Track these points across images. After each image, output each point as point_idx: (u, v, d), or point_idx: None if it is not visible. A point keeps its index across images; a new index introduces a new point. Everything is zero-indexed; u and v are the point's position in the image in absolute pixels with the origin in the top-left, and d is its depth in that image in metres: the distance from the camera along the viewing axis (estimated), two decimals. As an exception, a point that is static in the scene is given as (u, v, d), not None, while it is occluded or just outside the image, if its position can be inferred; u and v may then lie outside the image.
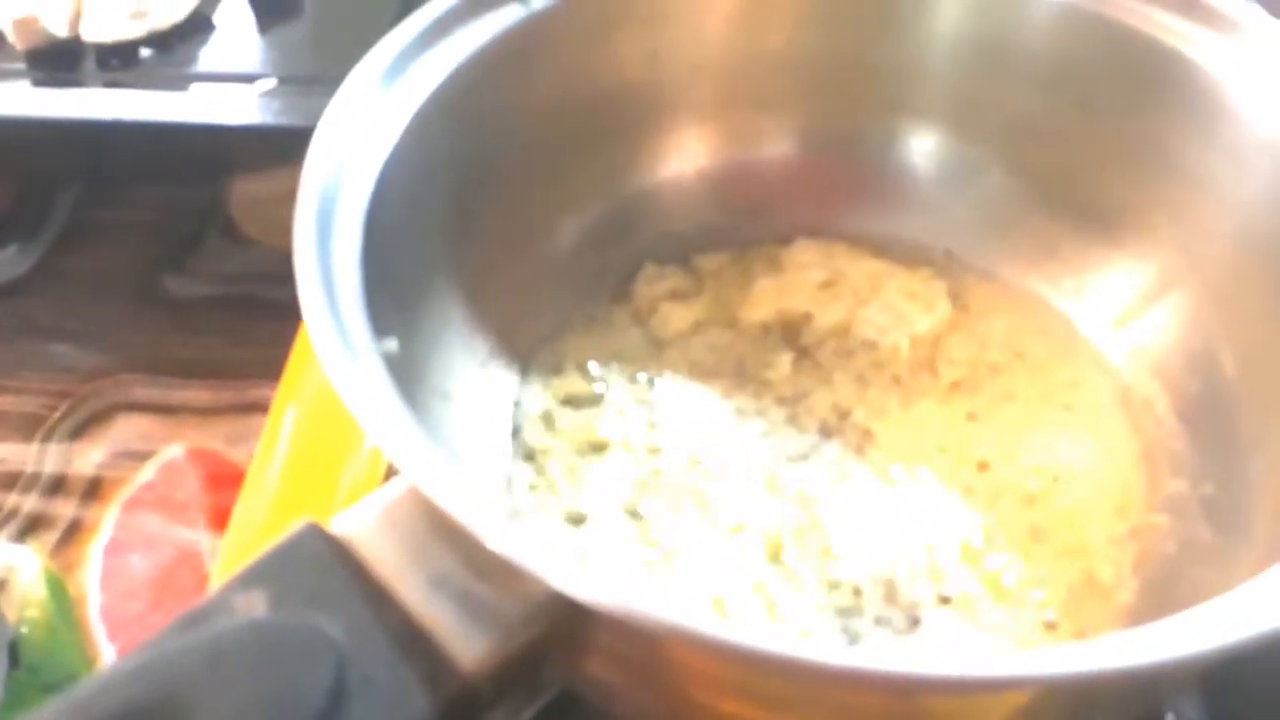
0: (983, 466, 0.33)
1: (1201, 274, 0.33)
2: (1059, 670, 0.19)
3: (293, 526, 0.20)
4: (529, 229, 0.35)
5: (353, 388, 0.21)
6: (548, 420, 0.34)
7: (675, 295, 0.38)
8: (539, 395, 0.35)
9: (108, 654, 0.45)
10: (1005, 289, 0.38)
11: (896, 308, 0.38)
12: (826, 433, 0.34)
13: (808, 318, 0.38)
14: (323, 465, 0.37)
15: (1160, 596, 0.30)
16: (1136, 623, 0.29)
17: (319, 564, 0.19)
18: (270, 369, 0.54)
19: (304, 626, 0.18)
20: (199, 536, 0.49)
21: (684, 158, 0.38)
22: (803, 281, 0.38)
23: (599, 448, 0.34)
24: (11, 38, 0.53)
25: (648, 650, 0.21)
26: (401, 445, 0.20)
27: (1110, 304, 0.36)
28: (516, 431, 0.34)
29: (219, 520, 0.49)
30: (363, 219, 0.26)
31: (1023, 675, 0.20)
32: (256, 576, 0.19)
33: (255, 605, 0.18)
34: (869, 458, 0.34)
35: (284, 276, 0.65)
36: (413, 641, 0.19)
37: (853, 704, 0.21)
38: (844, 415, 0.35)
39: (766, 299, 0.38)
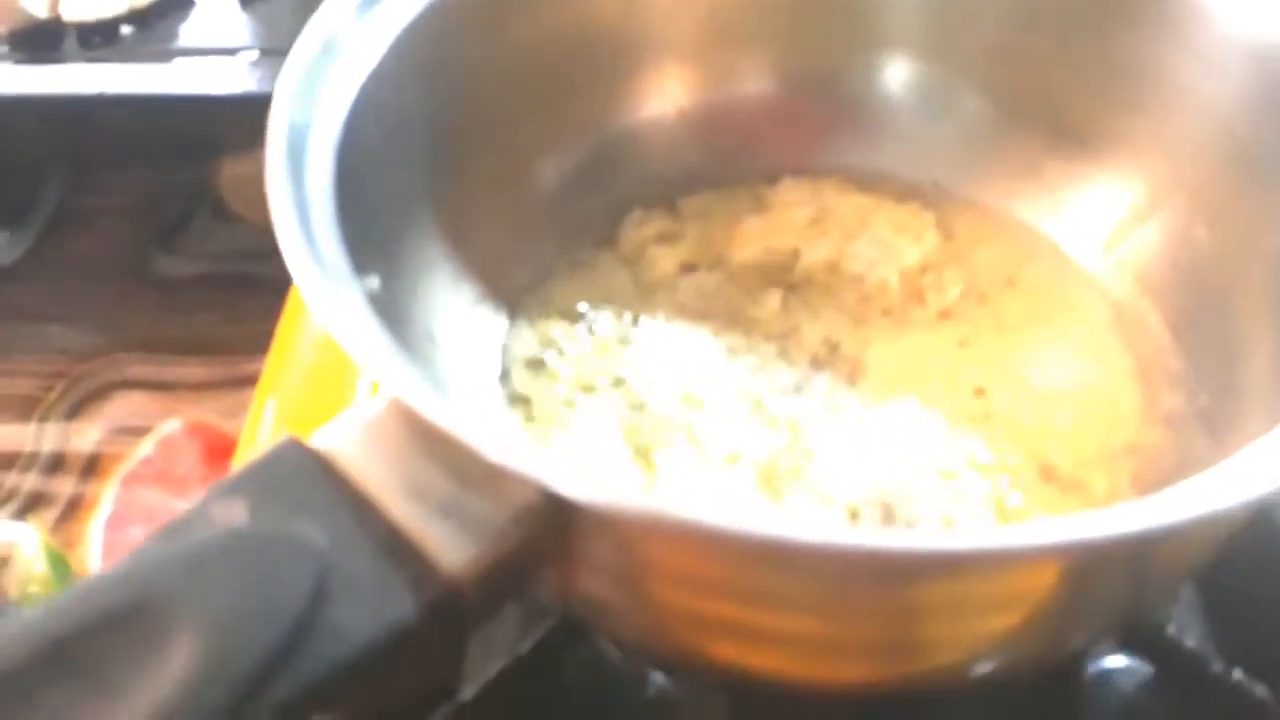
0: (978, 392, 0.33)
1: (1184, 185, 0.33)
2: (1061, 539, 0.18)
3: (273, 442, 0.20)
4: (511, 171, 0.35)
5: (330, 305, 0.21)
6: (536, 363, 0.34)
7: (662, 238, 0.38)
8: (527, 338, 0.35)
9: (111, 626, 0.45)
10: (992, 216, 0.38)
11: (884, 241, 0.37)
12: (817, 365, 0.34)
13: (796, 255, 0.37)
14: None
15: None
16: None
17: (300, 475, 0.19)
18: (261, 344, 0.54)
19: (283, 534, 0.18)
20: (199, 509, 0.49)
21: (664, 98, 0.38)
22: (790, 219, 0.38)
23: (588, 388, 0.34)
24: (-9, 19, 0.53)
25: (634, 552, 0.21)
26: (383, 358, 0.20)
27: (1096, 224, 0.36)
28: (504, 375, 0.34)
29: (218, 492, 0.50)
30: (334, 152, 0.26)
31: (1023, 546, 0.19)
32: (236, 488, 0.19)
33: (235, 515, 0.18)
34: (861, 388, 0.34)
35: (273, 252, 0.65)
36: (396, 547, 0.18)
37: (846, 593, 0.20)
38: (834, 348, 0.35)
39: (753, 238, 0.38)
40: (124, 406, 0.53)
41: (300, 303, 0.44)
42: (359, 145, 0.27)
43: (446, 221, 0.32)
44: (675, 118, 0.38)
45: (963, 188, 0.38)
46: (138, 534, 0.48)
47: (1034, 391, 0.33)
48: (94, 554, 0.47)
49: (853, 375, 0.34)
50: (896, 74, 0.38)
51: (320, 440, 0.20)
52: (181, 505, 0.52)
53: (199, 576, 0.17)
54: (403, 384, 0.20)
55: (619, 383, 0.33)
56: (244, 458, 0.39)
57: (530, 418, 0.33)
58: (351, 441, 0.20)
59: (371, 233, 0.28)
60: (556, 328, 0.35)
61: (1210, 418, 0.30)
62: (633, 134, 0.38)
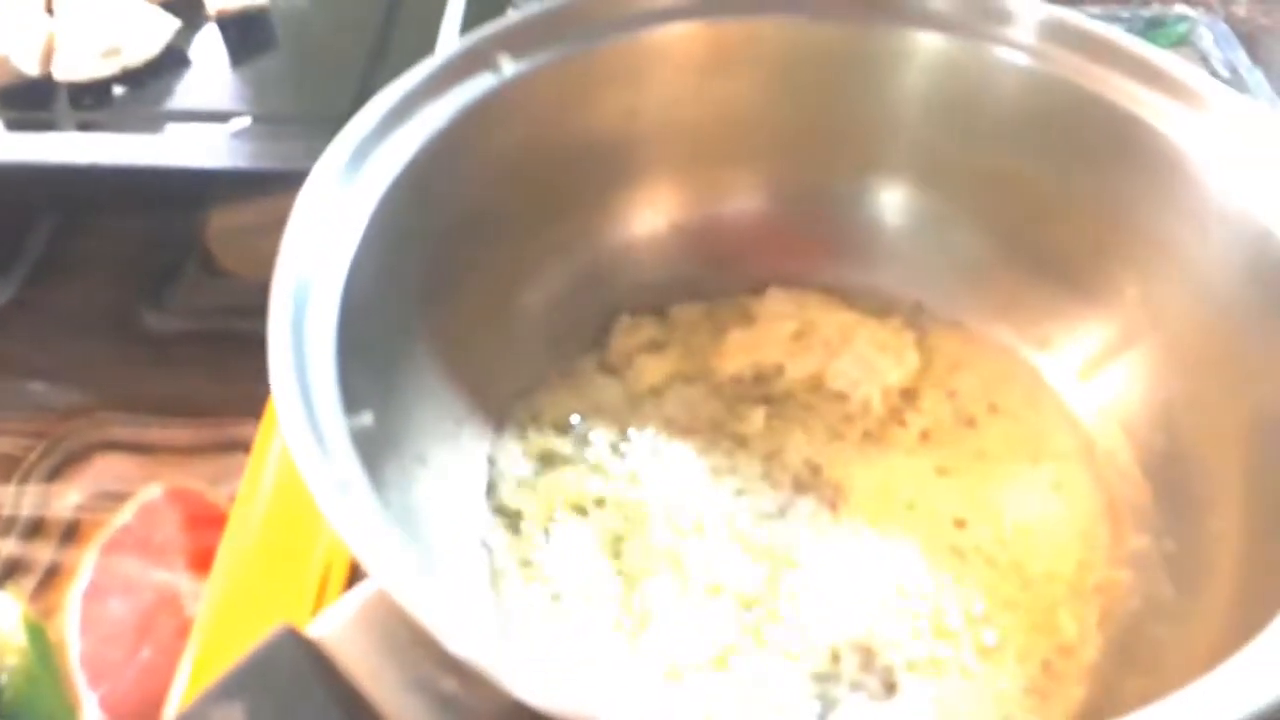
0: (958, 524, 0.34)
1: (1163, 332, 0.34)
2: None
3: (269, 632, 0.20)
4: (503, 289, 0.36)
5: (327, 491, 0.21)
6: (522, 480, 0.35)
7: (650, 347, 0.39)
8: (514, 453, 0.35)
9: (88, 701, 0.45)
10: (973, 340, 0.38)
11: (867, 359, 0.38)
12: (800, 488, 0.35)
13: (779, 369, 0.38)
14: (308, 506, 0.37)
15: (1123, 654, 0.31)
16: (1102, 681, 0.30)
17: (295, 673, 0.19)
18: (250, 406, 0.54)
19: (281, 741, 0.18)
20: (178, 579, 0.49)
21: (657, 211, 0.39)
22: (775, 333, 0.39)
23: (574, 506, 0.34)
24: (-18, 77, 0.53)
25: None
26: (373, 550, 0.21)
27: (1076, 357, 0.37)
28: (491, 489, 0.35)
29: (199, 562, 0.49)
30: (339, 300, 0.27)
31: None
32: (233, 687, 0.19)
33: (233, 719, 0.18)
34: (841, 514, 0.34)
35: (263, 310, 0.65)
36: (391, 751, 0.19)
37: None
38: (816, 470, 0.35)
39: (739, 351, 0.39)
40: (105, 469, 0.53)
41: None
42: (360, 289, 0.28)
43: (440, 346, 0.33)
44: (668, 230, 0.39)
45: (945, 310, 0.39)
46: (116, 605, 0.48)
47: (1009, 525, 0.34)
48: (72, 625, 0.47)
49: (834, 500, 0.35)
50: (889, 197, 0.39)
51: (316, 629, 0.21)
52: (160, 574, 0.52)
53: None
54: (389, 577, 0.20)
55: (603, 503, 0.34)
56: (239, 526, 0.39)
57: (515, 530, 0.34)
58: (346, 630, 0.21)
59: (368, 371, 0.28)
60: (544, 441, 0.36)
61: (1175, 564, 0.31)
62: (626, 246, 0.39)
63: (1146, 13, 0.62)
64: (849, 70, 0.36)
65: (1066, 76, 0.33)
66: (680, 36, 0.35)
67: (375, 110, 0.30)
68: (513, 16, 0.33)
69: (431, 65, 0.31)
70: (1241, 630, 0.24)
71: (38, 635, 0.47)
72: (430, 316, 0.32)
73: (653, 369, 0.38)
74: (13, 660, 0.46)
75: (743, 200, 0.39)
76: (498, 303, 0.35)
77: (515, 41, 0.33)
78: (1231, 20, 0.63)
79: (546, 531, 0.34)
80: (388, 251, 0.29)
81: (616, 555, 0.33)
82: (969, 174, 0.37)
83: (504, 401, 0.36)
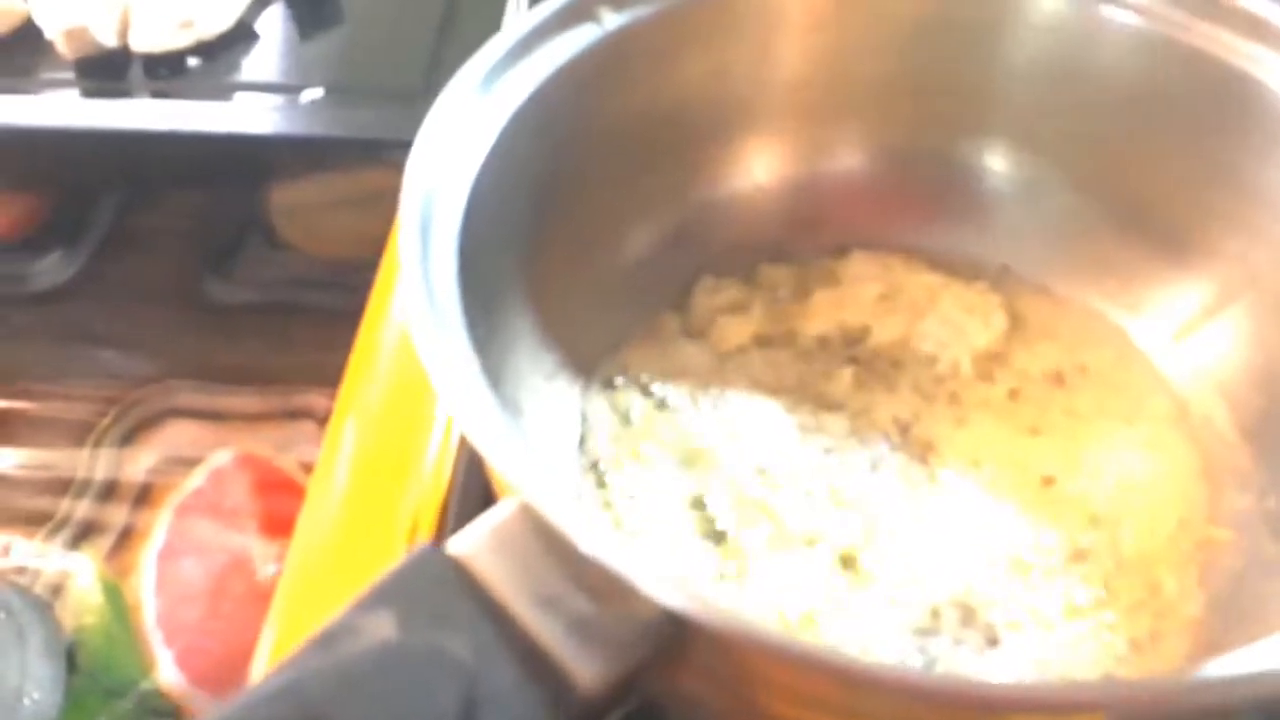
0: (1047, 481, 0.34)
1: (1262, 290, 0.34)
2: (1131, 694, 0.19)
3: (411, 550, 0.20)
4: (596, 242, 0.36)
5: (466, 409, 0.22)
6: (613, 435, 0.35)
7: (733, 308, 0.39)
8: (603, 410, 0.36)
9: (164, 659, 0.46)
10: (1061, 304, 0.38)
11: (954, 321, 0.38)
12: (891, 447, 0.35)
13: (866, 331, 0.38)
14: (387, 474, 0.37)
15: (1227, 610, 0.30)
16: (1205, 636, 0.30)
17: (441, 586, 0.20)
18: (314, 375, 0.55)
19: (432, 648, 0.19)
20: (250, 542, 0.49)
21: (750, 171, 0.39)
22: (860, 294, 0.39)
23: (664, 462, 0.34)
24: (61, 47, 0.53)
25: (744, 665, 0.21)
26: (517, 463, 0.21)
27: (1169, 320, 0.36)
28: (582, 443, 0.35)
29: (269, 526, 0.50)
30: (457, 235, 0.27)
31: (1099, 697, 0.20)
32: (381, 598, 0.19)
33: (383, 627, 0.19)
34: (933, 472, 0.34)
35: (324, 282, 0.66)
36: (535, 664, 0.19)
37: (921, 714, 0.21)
38: (905, 429, 0.35)
39: (824, 312, 0.39)
40: (177, 435, 0.54)
41: (376, 321, 0.44)
42: (475, 227, 0.28)
43: (536, 293, 0.33)
44: (755, 190, 0.39)
45: (1033, 273, 0.39)
46: (190, 566, 0.49)
47: (1103, 484, 0.34)
48: (147, 585, 0.48)
49: (924, 458, 0.35)
50: (987, 160, 0.38)
51: (455, 548, 0.21)
52: (232, 537, 0.53)
53: (356, 693, 0.18)
54: (535, 491, 0.21)
55: (696, 456, 0.34)
56: (322, 479, 0.39)
57: (608, 486, 0.34)
58: (484, 549, 0.21)
59: (480, 309, 0.29)
60: (631, 397, 0.36)
61: (1279, 521, 0.31)
62: (715, 204, 0.39)
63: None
64: (955, 29, 0.36)
65: (1174, 35, 0.33)
66: None
67: (494, 49, 0.30)
68: None
69: (535, 17, 0.31)
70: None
71: (114, 594, 0.48)
72: (528, 264, 0.33)
73: (736, 330, 0.38)
74: (90, 619, 0.47)
75: (836, 160, 0.39)
76: (589, 256, 0.36)
77: (617, -4, 0.33)
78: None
79: (639, 482, 0.34)
80: (499, 193, 0.29)
81: (708, 507, 0.33)
82: (1070, 137, 0.37)
83: (592, 359, 0.36)
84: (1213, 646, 0.29)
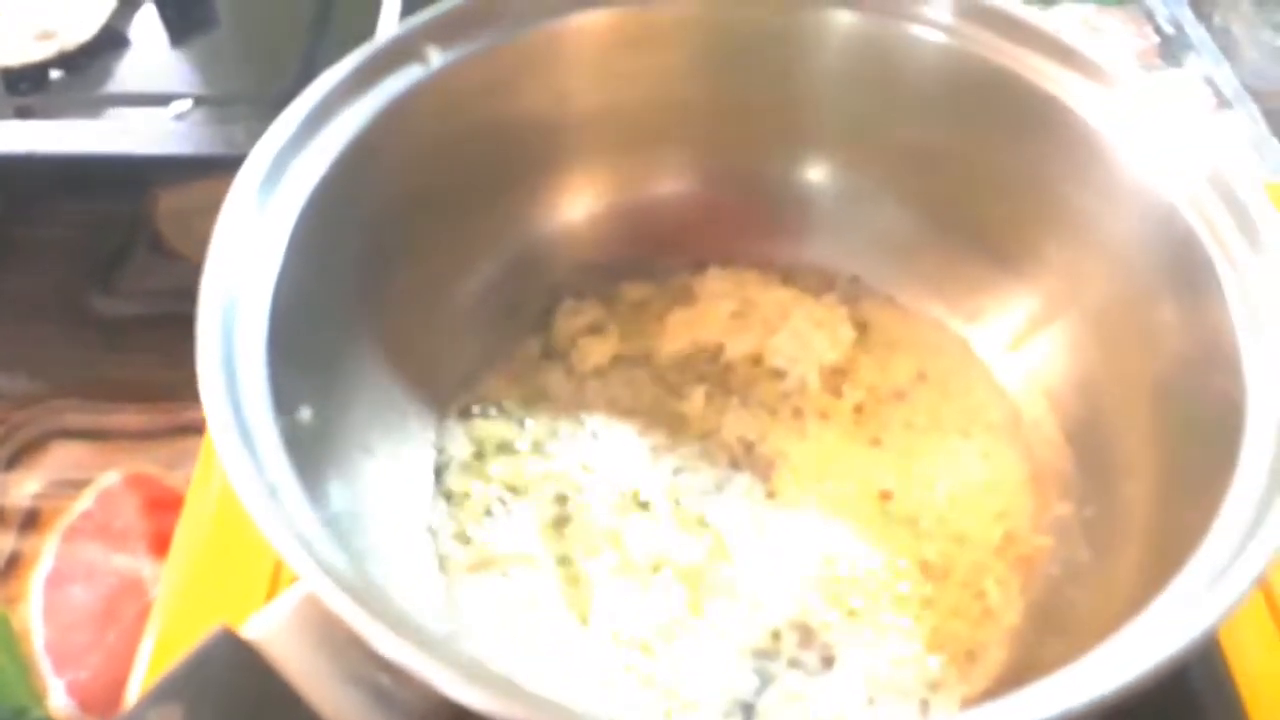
0: (885, 495, 0.35)
1: (1083, 303, 0.35)
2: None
3: (205, 634, 0.21)
4: (442, 276, 0.36)
5: (256, 497, 0.22)
6: (467, 465, 0.36)
7: (593, 329, 0.39)
8: (460, 439, 0.36)
9: (55, 687, 0.46)
10: (906, 314, 0.39)
11: (803, 336, 0.39)
12: (735, 465, 0.36)
13: (719, 348, 0.39)
14: None
15: (1043, 617, 0.32)
16: (1023, 645, 0.32)
17: (233, 674, 0.20)
18: (203, 389, 0.54)
19: (219, 743, 0.19)
20: (140, 564, 0.49)
21: (593, 195, 0.39)
22: (715, 312, 0.40)
23: (518, 489, 0.35)
24: (-85, 66, 0.52)
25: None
26: (301, 555, 0.21)
27: (1005, 329, 0.38)
28: (439, 474, 0.36)
29: (160, 546, 0.50)
30: (269, 302, 0.27)
31: None
32: (171, 690, 0.20)
33: (171, 722, 0.19)
34: (776, 488, 0.35)
35: (214, 292, 0.64)
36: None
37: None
38: (750, 447, 0.36)
39: (680, 331, 0.39)
40: (63, 456, 0.53)
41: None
42: (292, 291, 0.28)
43: (379, 338, 0.33)
44: (604, 212, 0.40)
45: (880, 284, 0.40)
46: (78, 591, 0.49)
47: (937, 496, 0.35)
48: (35, 612, 0.48)
49: (768, 475, 0.36)
50: (815, 175, 0.39)
51: (252, 630, 0.21)
52: (122, 559, 0.53)
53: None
54: (318, 581, 0.21)
55: (546, 484, 0.35)
56: (195, 509, 0.39)
57: (461, 514, 0.35)
58: (283, 629, 0.21)
59: (304, 366, 0.29)
60: (488, 426, 0.36)
61: (1093, 529, 0.33)
62: (561, 230, 0.39)
63: (1094, -31, 0.63)
64: (770, 50, 0.36)
65: (982, 54, 0.34)
66: (606, 20, 0.35)
67: (298, 111, 0.30)
68: (440, 6, 0.33)
69: (357, 59, 0.31)
70: (1147, 592, 0.25)
71: (2, 623, 0.48)
72: (368, 310, 0.33)
73: (596, 351, 0.39)
74: (-22, 649, 0.47)
75: (676, 181, 0.39)
76: (436, 292, 0.36)
77: (442, 32, 0.33)
78: (1176, -25, 0.63)
79: (490, 513, 0.34)
80: (319, 250, 0.29)
81: (560, 536, 0.34)
82: (893, 150, 0.38)
83: (449, 389, 0.37)
84: (1029, 655, 0.31)
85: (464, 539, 0.34)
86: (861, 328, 0.39)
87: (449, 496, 0.35)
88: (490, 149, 0.36)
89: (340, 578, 0.21)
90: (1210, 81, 0.57)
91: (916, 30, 0.35)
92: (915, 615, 0.32)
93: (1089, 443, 0.34)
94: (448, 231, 0.35)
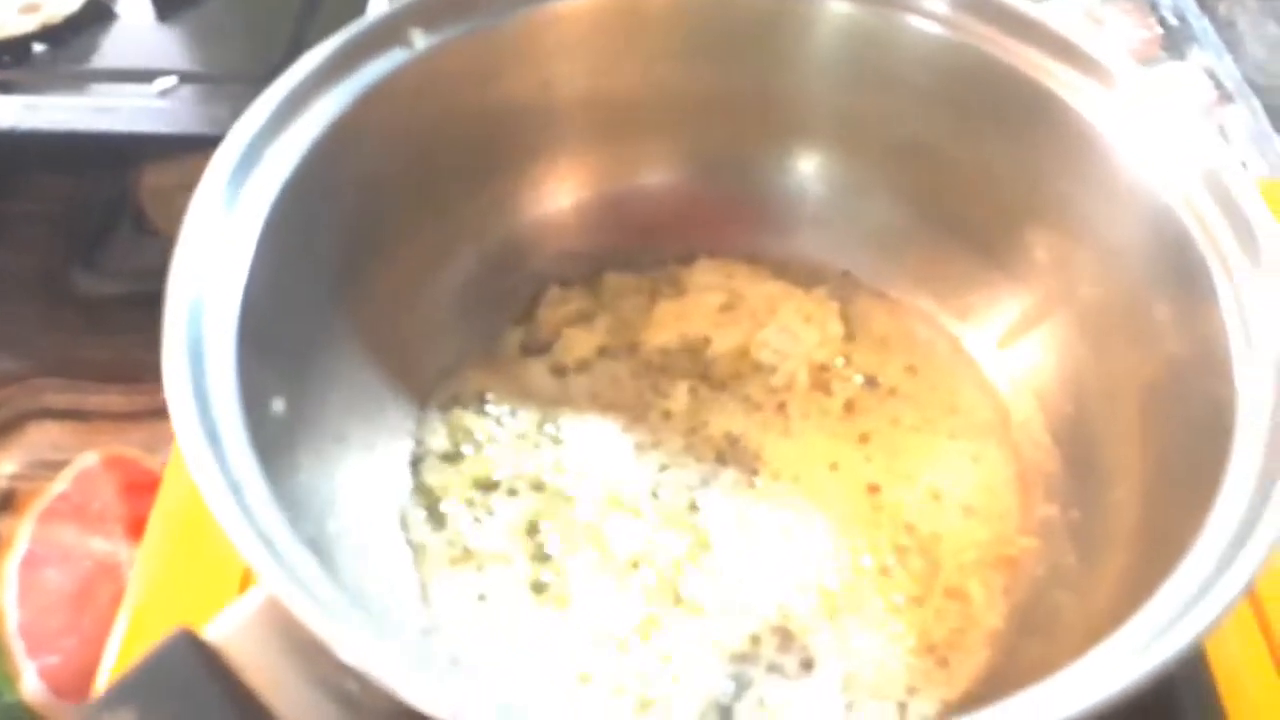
0: (872, 489, 0.35)
1: (1075, 301, 0.34)
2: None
3: (165, 635, 0.20)
4: (423, 265, 0.35)
5: (218, 496, 0.22)
6: (446, 456, 0.35)
7: (579, 318, 0.39)
8: (438, 431, 0.36)
9: (28, 671, 0.45)
10: (897, 310, 0.39)
11: (792, 330, 0.39)
12: (721, 460, 0.35)
13: (707, 341, 0.38)
14: None
15: (1025, 620, 0.32)
16: (1003, 647, 0.31)
17: (191, 676, 0.20)
18: (186, 370, 0.53)
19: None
20: (117, 547, 0.49)
21: (578, 183, 0.38)
22: (703, 304, 0.39)
23: (497, 484, 0.34)
24: (-106, 37, 0.51)
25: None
26: (262, 557, 0.21)
27: (995, 326, 0.37)
28: (415, 465, 0.35)
29: (137, 529, 0.49)
30: (240, 295, 0.26)
31: None
32: (126, 693, 0.19)
33: (125, 726, 0.19)
34: (762, 484, 0.35)
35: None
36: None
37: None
38: (734, 442, 0.36)
39: (668, 322, 0.39)
40: (41, 437, 0.52)
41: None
42: (264, 273, 0.27)
43: (356, 329, 0.33)
44: (591, 200, 0.39)
45: (871, 279, 0.39)
46: (53, 574, 0.48)
47: (925, 494, 0.35)
48: (9, 595, 0.47)
49: (754, 470, 0.35)
50: (807, 164, 0.39)
51: (212, 631, 0.21)
52: (98, 543, 0.52)
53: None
54: (280, 585, 0.20)
55: (526, 481, 0.34)
56: (170, 492, 0.39)
57: (438, 509, 0.34)
58: (245, 631, 0.21)
59: (276, 358, 0.28)
60: (467, 419, 0.36)
61: (1079, 532, 0.32)
62: (545, 218, 0.38)
63: (1098, -42, 0.62)
64: (762, 38, 0.35)
65: (979, 47, 0.33)
66: (594, 4, 0.34)
67: (276, 94, 0.29)
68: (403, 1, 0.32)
69: (339, 40, 0.31)
70: (1132, 598, 0.25)
71: (-24, 607, 0.47)
72: (345, 300, 0.32)
73: (581, 342, 0.38)
74: (-50, 632, 0.46)
75: (664, 170, 0.39)
76: (416, 282, 0.35)
77: (428, 15, 0.32)
78: (1182, -36, 0.62)
79: (470, 506, 0.34)
80: (294, 240, 0.29)
81: (538, 531, 0.34)
82: (885, 143, 0.37)
83: (429, 380, 0.36)
84: (1010, 658, 0.31)
85: (440, 532, 0.33)
86: (851, 323, 0.39)
87: (425, 490, 0.34)
88: (474, 135, 0.35)
89: (304, 580, 0.21)
90: (1212, 74, 0.56)
91: (912, 20, 0.34)
92: (897, 616, 0.32)
93: (1077, 445, 0.34)
94: (429, 219, 0.35)
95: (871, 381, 0.38)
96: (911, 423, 0.36)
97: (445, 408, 0.36)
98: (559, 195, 0.38)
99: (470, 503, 0.34)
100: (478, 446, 0.35)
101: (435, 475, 0.34)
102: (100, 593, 0.48)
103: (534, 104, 0.35)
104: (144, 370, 0.54)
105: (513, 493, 0.34)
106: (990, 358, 0.37)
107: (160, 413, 0.56)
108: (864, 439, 0.36)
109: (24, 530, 0.49)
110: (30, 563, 0.48)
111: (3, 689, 0.45)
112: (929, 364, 0.38)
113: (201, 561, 0.35)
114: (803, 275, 0.40)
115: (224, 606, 0.22)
